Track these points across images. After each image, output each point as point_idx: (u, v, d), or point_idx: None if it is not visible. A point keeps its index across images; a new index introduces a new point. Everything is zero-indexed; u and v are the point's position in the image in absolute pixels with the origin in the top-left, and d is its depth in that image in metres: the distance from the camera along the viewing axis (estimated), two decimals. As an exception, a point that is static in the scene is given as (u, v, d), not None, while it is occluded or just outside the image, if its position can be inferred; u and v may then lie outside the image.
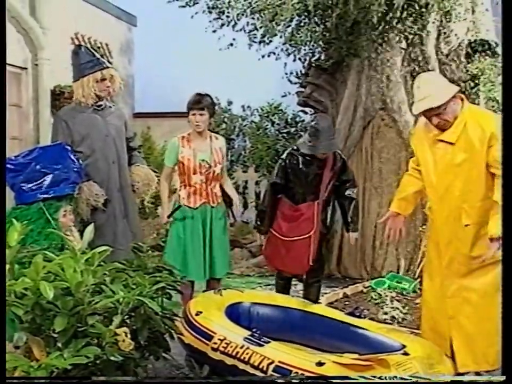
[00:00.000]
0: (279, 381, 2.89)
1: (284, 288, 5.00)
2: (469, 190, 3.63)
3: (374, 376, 3.11)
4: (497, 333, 3.60)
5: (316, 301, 4.78)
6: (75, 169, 3.89)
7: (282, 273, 5.03)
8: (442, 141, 3.69)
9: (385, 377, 3.12)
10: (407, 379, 3.15)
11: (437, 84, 3.70)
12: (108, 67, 4.58)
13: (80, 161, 4.25)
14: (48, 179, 3.73)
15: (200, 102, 4.74)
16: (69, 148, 4.14)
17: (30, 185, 3.71)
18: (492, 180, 3.56)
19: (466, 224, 3.65)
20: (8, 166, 3.77)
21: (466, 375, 3.76)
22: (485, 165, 3.56)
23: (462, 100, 3.69)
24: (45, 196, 3.70)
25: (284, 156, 4.81)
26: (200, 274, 4.78)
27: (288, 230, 4.71)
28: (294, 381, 2.55)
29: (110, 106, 4.67)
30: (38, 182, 3.72)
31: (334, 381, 2.55)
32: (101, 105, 4.55)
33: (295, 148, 4.77)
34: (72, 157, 3.98)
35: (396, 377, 3.23)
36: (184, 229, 4.76)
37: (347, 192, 4.73)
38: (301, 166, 4.67)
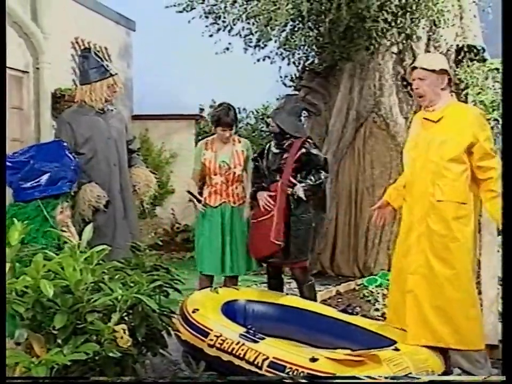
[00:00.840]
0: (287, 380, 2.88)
1: (274, 285, 4.95)
2: (445, 168, 3.67)
3: (381, 376, 3.11)
4: (454, 313, 3.68)
5: (313, 300, 4.71)
6: (72, 167, 3.88)
7: (269, 269, 5.00)
8: (426, 119, 3.82)
9: (388, 377, 3.12)
10: (408, 379, 3.16)
11: (435, 56, 4.11)
12: (116, 73, 4.60)
13: (82, 162, 4.28)
14: (45, 177, 3.71)
15: (229, 122, 4.83)
16: (65, 145, 4.12)
17: (28, 183, 3.70)
18: (470, 165, 3.66)
19: (438, 199, 3.68)
20: (6, 163, 3.77)
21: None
22: (463, 150, 3.63)
23: (451, 89, 3.89)
24: (43, 194, 3.69)
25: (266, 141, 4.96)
26: (215, 269, 4.83)
27: (256, 212, 4.71)
28: (302, 380, 2.54)
29: (112, 110, 4.69)
30: (36, 180, 3.71)
31: (340, 380, 2.54)
32: (103, 108, 4.56)
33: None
34: (69, 154, 3.96)
35: (396, 377, 3.23)
36: (203, 226, 4.88)
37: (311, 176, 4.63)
38: (272, 147, 4.78)
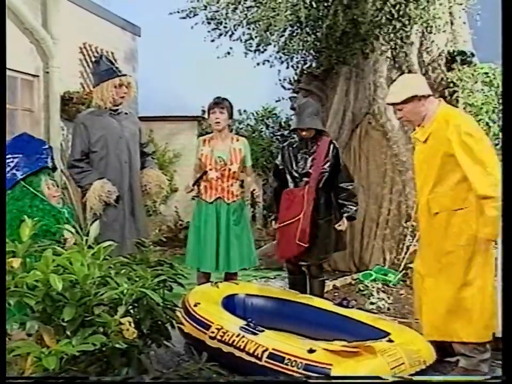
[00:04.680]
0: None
1: (294, 283, 4.93)
2: (440, 182, 3.62)
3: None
4: (467, 308, 3.65)
5: (320, 296, 4.68)
6: (43, 147, 3.94)
7: (289, 268, 4.98)
8: (416, 138, 3.80)
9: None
10: (408, 379, 3.17)
11: (402, 84, 3.76)
12: (125, 75, 4.59)
13: (96, 160, 4.40)
14: (20, 161, 3.78)
15: (220, 102, 4.82)
16: (31, 135, 4.20)
17: (7, 173, 3.75)
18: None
19: (435, 212, 3.67)
20: None
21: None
22: (453, 158, 3.54)
23: (437, 102, 3.73)
24: (23, 175, 3.75)
25: (285, 143, 4.90)
26: (210, 266, 4.77)
27: (283, 216, 4.71)
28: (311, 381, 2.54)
29: (126, 113, 4.67)
30: (12, 167, 3.76)
31: (348, 381, 2.54)
32: (117, 110, 4.56)
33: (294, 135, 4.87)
34: (35, 138, 4.06)
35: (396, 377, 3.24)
36: (199, 221, 4.83)
37: (341, 184, 4.70)
38: (296, 149, 4.75)
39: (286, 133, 9.87)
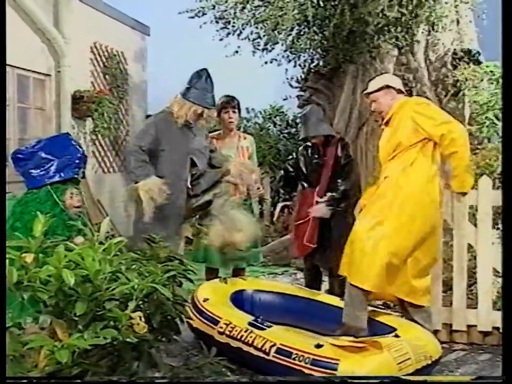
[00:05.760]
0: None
1: (310, 280, 4.91)
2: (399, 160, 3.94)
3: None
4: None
5: (341, 295, 4.48)
6: (78, 155, 3.92)
7: (306, 264, 4.99)
8: (383, 124, 4.18)
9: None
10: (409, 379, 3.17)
11: (378, 78, 4.27)
12: (212, 108, 4.26)
13: (159, 156, 4.10)
14: (53, 165, 3.78)
15: (232, 101, 4.80)
16: (71, 137, 4.14)
17: (37, 171, 3.78)
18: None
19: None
20: (18, 156, 3.86)
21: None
22: (409, 132, 3.91)
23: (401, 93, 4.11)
24: (51, 180, 3.75)
25: (300, 148, 4.92)
26: (217, 262, 4.75)
27: (296, 216, 4.78)
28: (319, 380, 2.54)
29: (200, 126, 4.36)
30: (45, 167, 3.77)
31: (354, 380, 2.53)
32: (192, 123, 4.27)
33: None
34: (75, 145, 4.00)
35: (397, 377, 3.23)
36: None
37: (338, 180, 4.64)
38: (309, 154, 4.78)
39: (293, 130, 9.86)
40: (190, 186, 4.24)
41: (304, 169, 4.79)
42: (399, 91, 4.11)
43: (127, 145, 4.47)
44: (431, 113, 3.94)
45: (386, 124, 4.10)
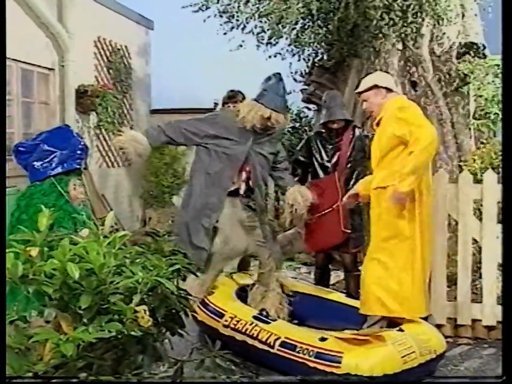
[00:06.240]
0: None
1: (321, 277, 4.91)
2: (383, 159, 3.92)
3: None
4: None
5: (356, 292, 4.46)
6: (80, 147, 3.91)
7: (318, 262, 4.97)
8: (374, 124, 4.11)
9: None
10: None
11: (368, 78, 4.18)
12: (280, 112, 4.23)
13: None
14: (56, 157, 3.77)
15: (234, 96, 4.82)
16: (72, 130, 4.15)
17: (40, 163, 3.77)
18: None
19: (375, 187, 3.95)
20: (20, 149, 3.86)
21: None
22: (389, 137, 3.86)
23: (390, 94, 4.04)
24: (54, 171, 3.75)
25: (311, 135, 4.90)
26: None
27: (316, 206, 4.58)
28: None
29: (270, 134, 4.36)
30: (47, 160, 3.76)
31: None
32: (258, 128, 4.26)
33: (320, 127, 4.86)
34: (76, 136, 4.00)
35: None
36: None
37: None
38: (323, 140, 4.73)
39: (297, 125, 9.84)
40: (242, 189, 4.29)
41: (318, 156, 4.74)
42: (389, 90, 4.03)
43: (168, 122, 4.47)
44: (407, 116, 3.84)
45: (378, 125, 4.05)
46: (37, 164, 3.77)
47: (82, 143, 3.95)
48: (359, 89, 4.11)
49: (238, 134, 4.27)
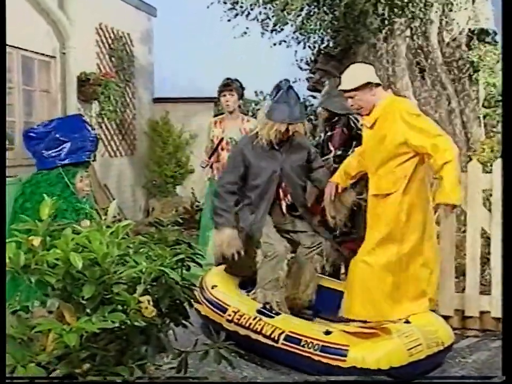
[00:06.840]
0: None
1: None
2: (383, 165, 3.78)
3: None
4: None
5: None
6: (91, 139, 3.90)
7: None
8: (364, 125, 3.93)
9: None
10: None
11: (354, 73, 3.88)
12: (297, 122, 4.08)
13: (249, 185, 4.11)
14: (66, 147, 3.76)
15: (229, 84, 4.90)
16: (84, 119, 4.14)
17: (49, 152, 3.76)
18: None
19: (373, 194, 3.89)
20: (30, 134, 3.85)
21: None
22: (397, 143, 3.70)
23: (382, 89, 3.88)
24: (63, 162, 3.74)
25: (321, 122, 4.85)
26: None
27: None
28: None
29: (292, 141, 4.21)
30: (57, 149, 3.75)
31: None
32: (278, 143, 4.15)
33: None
34: (88, 127, 3.98)
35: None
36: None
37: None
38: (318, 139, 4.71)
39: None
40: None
41: (331, 146, 4.67)
42: (377, 84, 3.84)
43: (219, 180, 4.43)
44: (425, 126, 3.70)
45: (371, 127, 3.84)
46: (46, 152, 3.76)
47: (93, 135, 3.94)
48: (348, 87, 3.81)
49: (262, 154, 4.12)
